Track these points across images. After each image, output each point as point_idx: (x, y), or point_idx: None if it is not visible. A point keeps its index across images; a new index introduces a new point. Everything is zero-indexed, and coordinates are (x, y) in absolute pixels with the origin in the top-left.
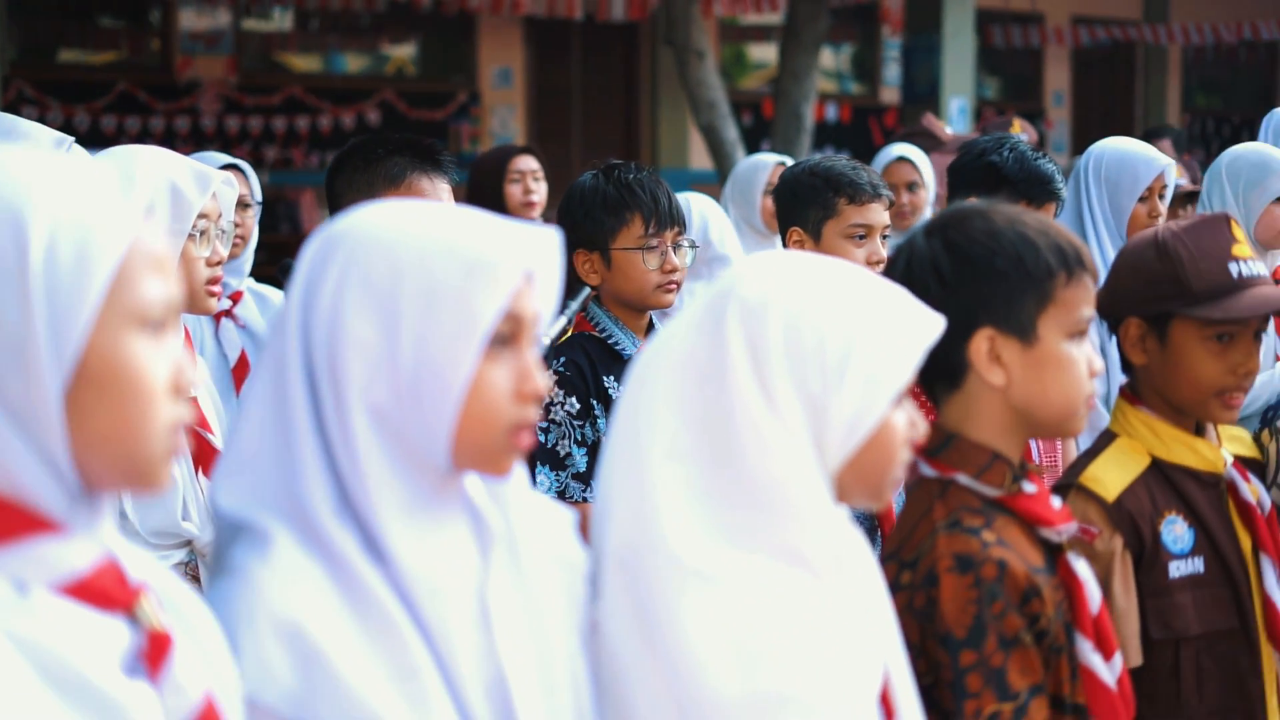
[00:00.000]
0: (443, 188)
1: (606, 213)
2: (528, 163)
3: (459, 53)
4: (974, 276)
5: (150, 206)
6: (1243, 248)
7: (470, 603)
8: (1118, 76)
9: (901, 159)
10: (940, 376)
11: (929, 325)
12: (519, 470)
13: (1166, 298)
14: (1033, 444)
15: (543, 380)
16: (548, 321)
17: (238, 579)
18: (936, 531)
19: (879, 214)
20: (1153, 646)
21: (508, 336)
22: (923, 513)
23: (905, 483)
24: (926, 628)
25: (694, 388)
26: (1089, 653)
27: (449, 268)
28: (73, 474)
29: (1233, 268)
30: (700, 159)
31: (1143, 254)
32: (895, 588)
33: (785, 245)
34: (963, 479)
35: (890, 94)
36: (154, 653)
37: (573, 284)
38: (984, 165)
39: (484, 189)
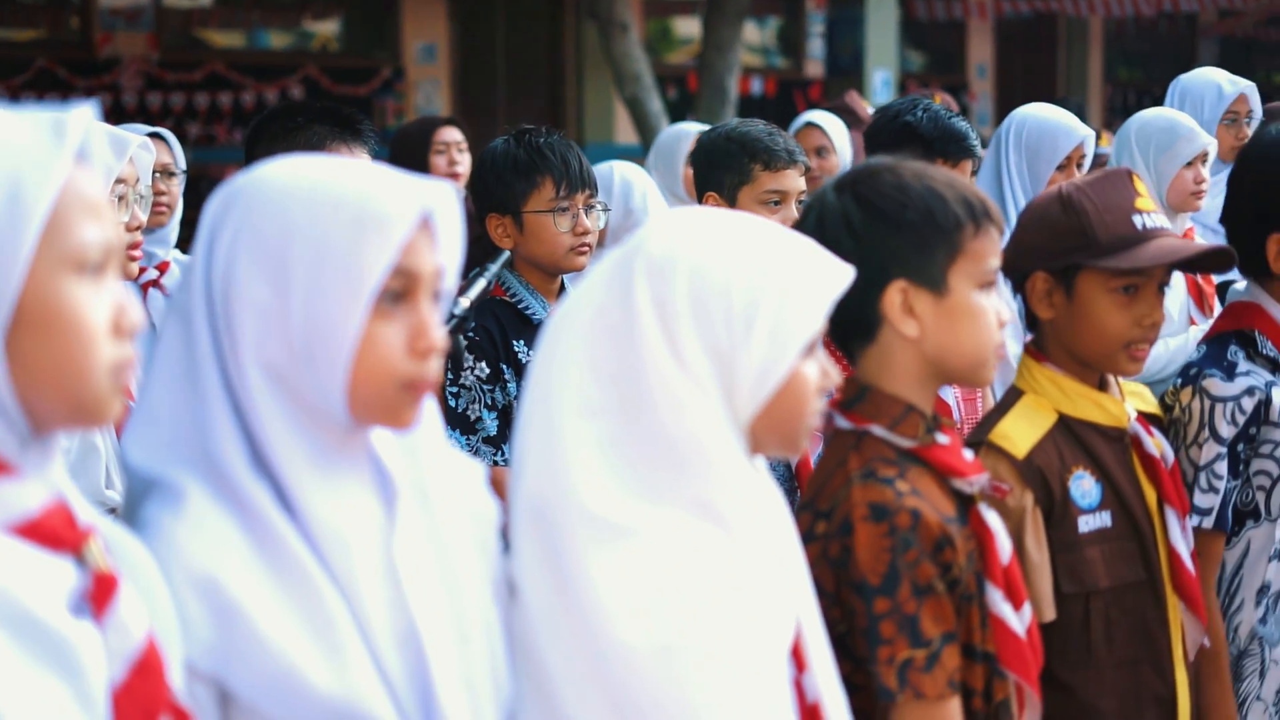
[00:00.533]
0: (362, 157)
1: (517, 176)
2: (452, 134)
3: (383, 28)
4: (885, 229)
5: (82, 151)
6: (1145, 201)
7: (378, 556)
8: (1040, 49)
9: (811, 124)
10: (854, 330)
11: (837, 276)
12: (433, 423)
13: (1072, 250)
14: (954, 403)
15: (440, 335)
16: (455, 276)
17: (151, 534)
18: (851, 481)
19: (794, 180)
20: (1064, 600)
21: (400, 292)
22: (838, 463)
23: (823, 434)
24: (841, 576)
25: (604, 345)
26: (999, 602)
27: (338, 223)
28: (20, 416)
29: (1136, 220)
30: (626, 133)
31: (1048, 209)
32: (810, 537)
33: None
34: (877, 430)
35: (815, 67)
36: (100, 593)
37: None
38: (899, 125)
39: (408, 160)
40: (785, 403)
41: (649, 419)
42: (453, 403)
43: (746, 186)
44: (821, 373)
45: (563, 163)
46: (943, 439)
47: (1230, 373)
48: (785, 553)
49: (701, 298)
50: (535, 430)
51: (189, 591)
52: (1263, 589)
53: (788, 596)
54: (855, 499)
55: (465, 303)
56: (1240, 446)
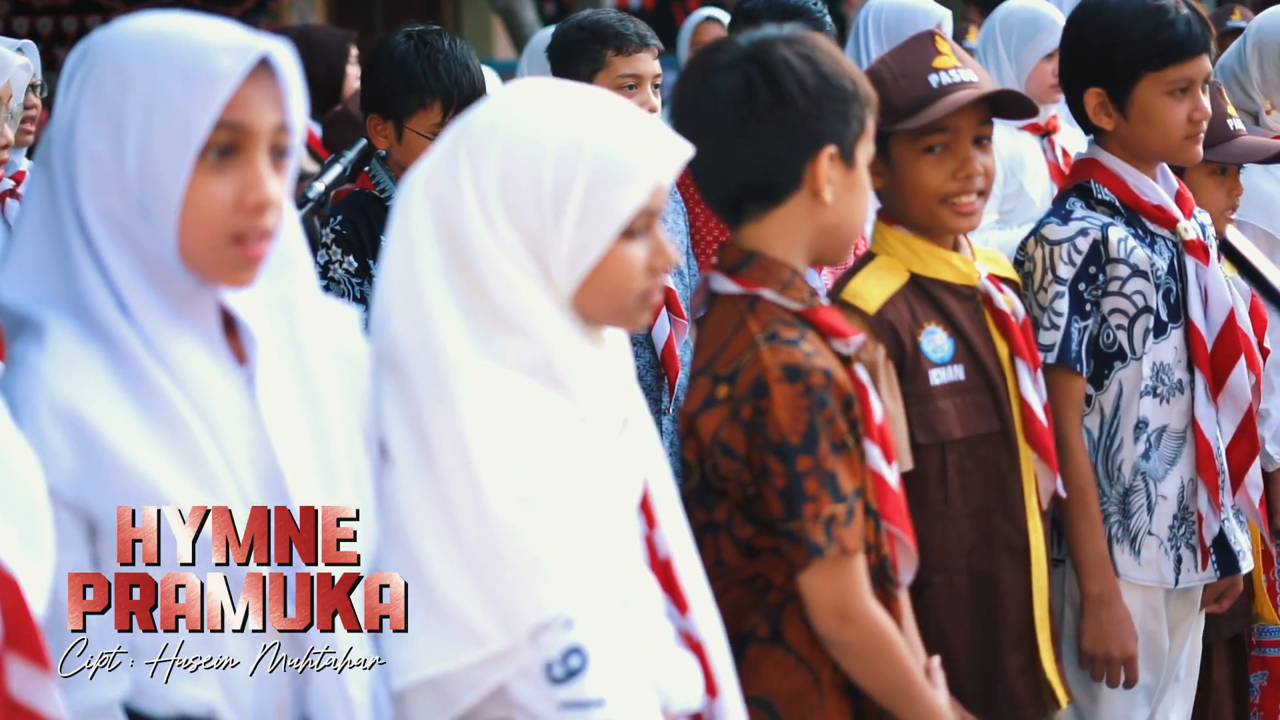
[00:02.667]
0: None
1: (409, 90)
2: (355, 50)
3: None
4: (829, 94)
5: None
6: (946, 59)
7: (240, 403)
8: None
9: (709, 19)
10: (762, 192)
11: (668, 156)
12: (306, 273)
13: (879, 119)
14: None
15: (272, 190)
16: (302, 133)
17: (18, 370)
18: (757, 344)
19: (648, 63)
20: (919, 451)
21: (230, 146)
22: (735, 327)
23: (697, 302)
24: (754, 438)
25: (440, 216)
26: (878, 459)
27: (168, 77)
28: None
29: (933, 79)
30: (506, 49)
31: None
32: (712, 402)
33: None
34: (768, 294)
35: None
36: None
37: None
38: (741, 14)
39: (324, 64)
40: (607, 282)
41: (484, 289)
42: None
43: (600, 73)
44: (653, 251)
45: (455, 85)
46: (825, 301)
47: (1066, 219)
48: (631, 417)
49: (511, 180)
50: (399, 283)
51: (52, 421)
52: (1139, 424)
53: (632, 460)
54: (766, 361)
55: (320, 186)
56: (1083, 286)
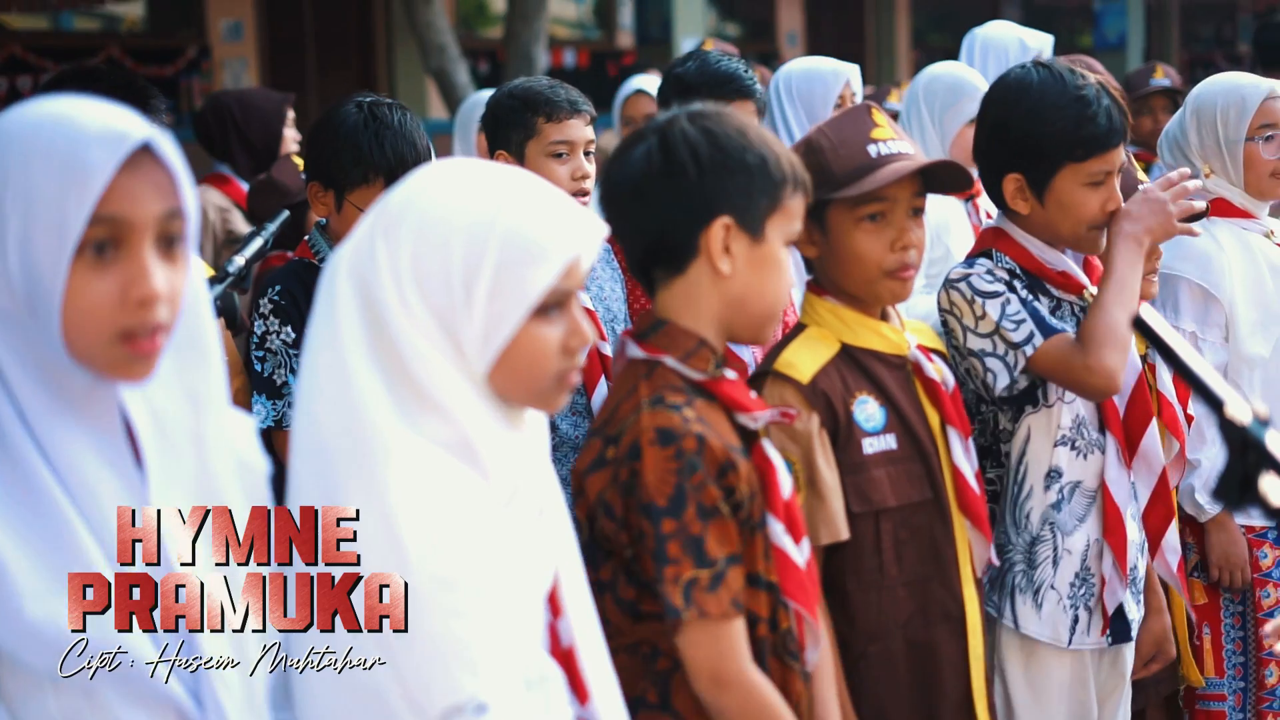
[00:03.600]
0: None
1: (353, 163)
2: (292, 112)
3: (187, 7)
4: (726, 166)
5: None
6: (884, 131)
7: (132, 503)
8: (849, 15)
9: (640, 92)
10: (664, 260)
11: (582, 235)
12: (216, 373)
13: (816, 188)
14: (751, 360)
15: (158, 283)
16: (195, 219)
17: None
18: (640, 408)
19: (579, 129)
20: (855, 520)
21: (110, 240)
22: (628, 391)
23: (616, 366)
24: (629, 500)
25: (362, 295)
26: (781, 535)
27: (45, 172)
28: None
29: (871, 149)
30: (439, 109)
31: (795, 153)
32: (600, 463)
33: None
34: (669, 361)
35: (626, 38)
36: None
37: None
38: (673, 79)
39: (260, 127)
40: (521, 361)
41: (403, 365)
42: (258, 367)
43: (532, 140)
44: (569, 331)
45: (399, 162)
46: (730, 375)
47: (970, 264)
48: (546, 503)
49: (423, 260)
50: (324, 362)
51: None
52: (1052, 473)
53: (545, 545)
54: (644, 424)
55: (240, 261)
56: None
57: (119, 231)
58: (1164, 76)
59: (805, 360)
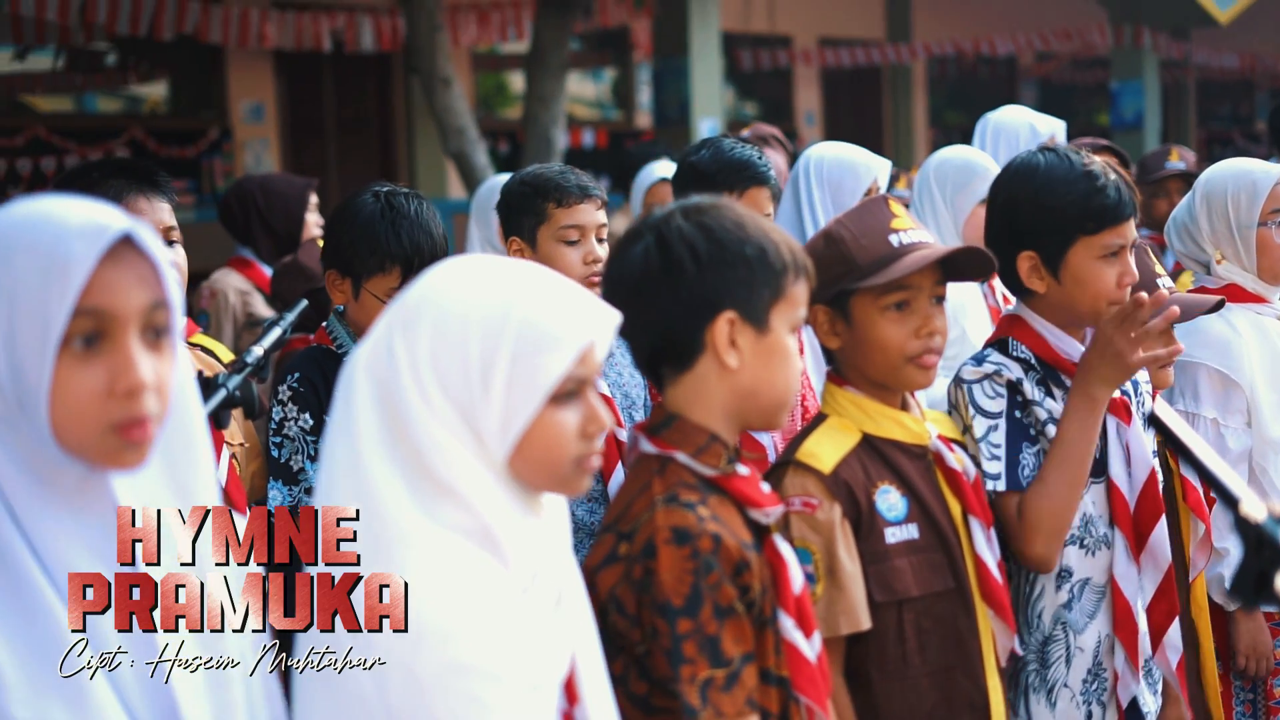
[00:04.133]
0: (161, 207)
1: (370, 252)
2: (315, 197)
3: (209, 89)
4: (725, 260)
5: None
6: (903, 220)
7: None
8: (866, 95)
9: (664, 180)
10: (671, 356)
11: (592, 323)
12: (204, 460)
13: (839, 278)
14: (770, 445)
15: (144, 373)
16: (179, 307)
17: None
18: (655, 506)
19: (590, 214)
20: (877, 610)
21: (95, 333)
22: (641, 487)
23: (629, 459)
24: (644, 598)
25: (378, 392)
26: (791, 629)
27: (27, 268)
28: None
29: (893, 239)
30: (458, 190)
31: (815, 245)
32: (613, 559)
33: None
34: (681, 457)
35: (644, 118)
36: None
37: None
38: (686, 168)
39: (282, 213)
40: (539, 448)
41: (422, 458)
42: (275, 453)
43: (543, 226)
44: (586, 417)
45: (415, 252)
46: (742, 470)
47: (980, 361)
48: (564, 589)
49: (441, 353)
50: (341, 461)
51: None
52: (1063, 573)
53: (562, 632)
54: (659, 522)
55: (259, 351)
56: (1019, 414)
57: (103, 324)
58: (1179, 160)
59: (827, 450)
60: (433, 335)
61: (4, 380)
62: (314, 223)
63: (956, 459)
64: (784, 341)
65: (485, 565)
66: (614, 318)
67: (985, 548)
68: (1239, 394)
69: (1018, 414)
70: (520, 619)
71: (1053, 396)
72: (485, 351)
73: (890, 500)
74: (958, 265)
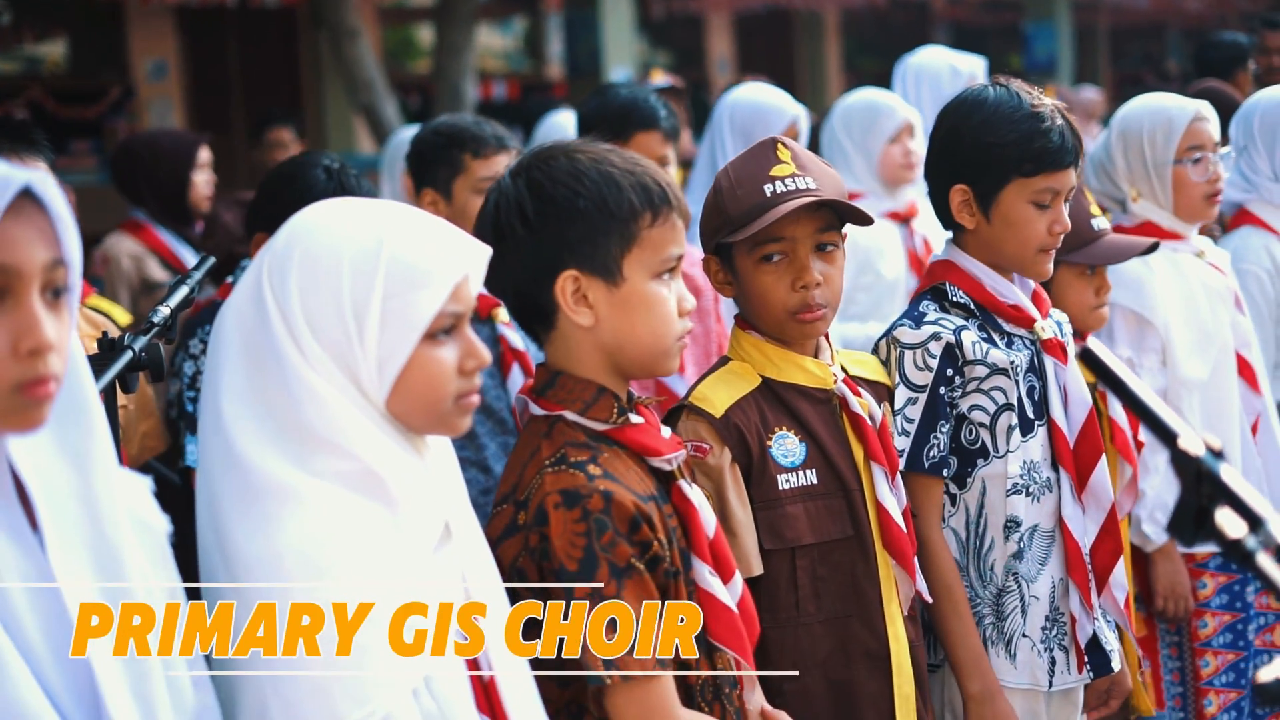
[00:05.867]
0: (38, 166)
1: None
2: (207, 154)
3: (109, 47)
4: (557, 218)
5: None
6: (785, 167)
7: (30, 569)
8: (779, 41)
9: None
10: (534, 316)
11: (462, 257)
12: (102, 435)
13: (719, 229)
14: None
15: (48, 333)
16: (78, 266)
17: None
18: (543, 470)
19: (505, 165)
20: (769, 557)
21: None
22: (531, 452)
23: (521, 423)
24: (544, 565)
25: (249, 338)
26: (707, 576)
27: None
28: None
29: (768, 187)
30: (368, 144)
31: (709, 193)
32: (513, 529)
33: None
34: (570, 415)
35: (556, 69)
36: None
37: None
38: (580, 117)
39: (169, 172)
40: (417, 386)
41: (296, 408)
42: (190, 408)
43: (459, 177)
44: (464, 353)
45: None
46: (636, 419)
47: (919, 322)
48: (454, 524)
49: (310, 293)
50: (209, 421)
51: None
52: (1010, 523)
53: (452, 568)
54: (547, 487)
55: (165, 310)
56: (943, 390)
57: (6, 280)
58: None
59: (720, 394)
60: (302, 278)
61: None
62: (203, 182)
63: (861, 404)
64: (644, 289)
65: (361, 511)
66: (485, 252)
67: (888, 494)
68: (1153, 333)
69: (942, 390)
70: (401, 556)
71: (994, 344)
72: (357, 291)
73: (787, 445)
74: (844, 211)
